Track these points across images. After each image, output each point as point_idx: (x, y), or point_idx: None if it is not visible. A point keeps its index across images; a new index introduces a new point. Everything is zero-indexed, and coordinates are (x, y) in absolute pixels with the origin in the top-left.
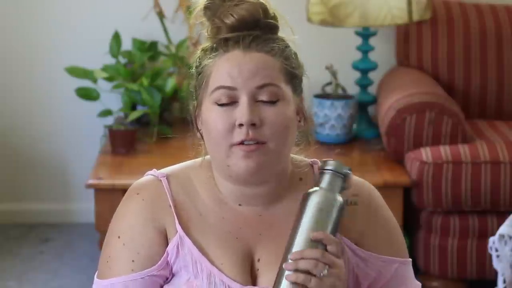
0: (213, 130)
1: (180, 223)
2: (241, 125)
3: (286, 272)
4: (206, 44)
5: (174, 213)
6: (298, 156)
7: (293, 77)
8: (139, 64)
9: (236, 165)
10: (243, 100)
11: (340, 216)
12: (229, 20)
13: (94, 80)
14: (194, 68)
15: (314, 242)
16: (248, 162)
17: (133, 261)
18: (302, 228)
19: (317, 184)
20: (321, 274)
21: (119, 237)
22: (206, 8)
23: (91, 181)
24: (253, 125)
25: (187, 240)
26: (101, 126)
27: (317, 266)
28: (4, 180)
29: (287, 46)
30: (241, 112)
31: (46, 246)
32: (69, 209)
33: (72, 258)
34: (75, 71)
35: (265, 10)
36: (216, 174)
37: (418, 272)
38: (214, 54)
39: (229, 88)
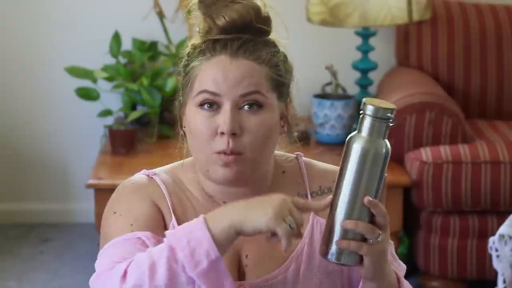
0: (196, 134)
1: (175, 214)
2: (222, 133)
3: (336, 233)
4: (196, 40)
5: (169, 203)
6: (281, 152)
7: (279, 84)
8: (139, 64)
9: (215, 172)
10: (226, 107)
11: (385, 163)
12: (220, 22)
13: (94, 80)
14: (182, 65)
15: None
16: (225, 171)
17: (131, 224)
18: (349, 183)
19: (358, 129)
20: (373, 241)
21: (114, 212)
22: (201, 2)
23: (91, 181)
24: (233, 134)
25: None
26: (101, 126)
27: (373, 232)
28: (4, 180)
29: (276, 52)
30: (223, 120)
31: (46, 246)
32: (69, 209)
33: (72, 258)
34: (75, 71)
35: (257, 12)
36: (200, 173)
37: (418, 272)
38: (201, 57)
39: (213, 93)
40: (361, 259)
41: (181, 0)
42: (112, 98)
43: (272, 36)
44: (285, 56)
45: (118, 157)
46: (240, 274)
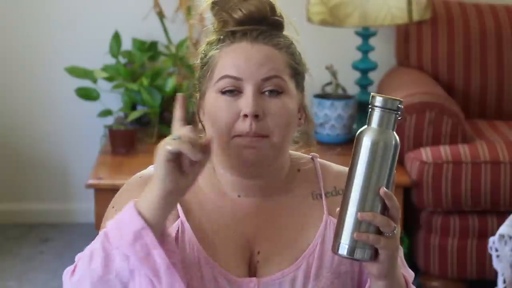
0: (217, 119)
1: (182, 210)
2: (245, 116)
3: (349, 226)
4: (212, 37)
5: None
6: (297, 153)
7: (297, 72)
8: (139, 64)
9: (237, 155)
10: (248, 90)
11: (396, 154)
12: (237, 15)
13: (94, 80)
14: (199, 59)
15: (378, 196)
16: (249, 152)
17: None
18: (361, 175)
19: (368, 122)
20: (390, 234)
21: (113, 207)
22: (214, 3)
23: (91, 181)
24: (256, 116)
25: (187, 226)
26: (101, 126)
27: (390, 225)
28: (4, 180)
29: (292, 43)
30: (246, 102)
31: (46, 246)
32: (69, 209)
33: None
34: (75, 71)
35: (272, 8)
36: (216, 164)
37: (418, 272)
38: (221, 44)
39: (235, 78)
40: (374, 255)
41: (181, 0)
42: (112, 98)
43: (287, 34)
44: (299, 54)
45: (118, 157)
46: (251, 270)
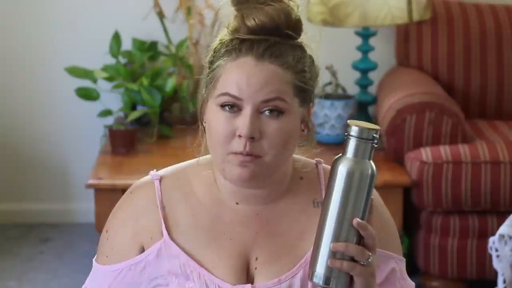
0: (214, 133)
1: (167, 226)
2: (240, 136)
3: (324, 255)
4: (225, 37)
5: (162, 217)
6: (301, 157)
7: (303, 90)
8: (139, 64)
9: (230, 172)
10: (247, 111)
11: (371, 184)
12: (250, 23)
13: (94, 80)
14: (207, 60)
15: (352, 226)
16: (242, 171)
17: (107, 256)
18: (336, 204)
19: (344, 151)
20: (365, 262)
21: (107, 231)
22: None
23: (91, 181)
24: (252, 138)
25: (172, 244)
26: (101, 126)
27: (363, 254)
28: (4, 180)
29: (302, 57)
30: (243, 123)
31: (46, 246)
32: (69, 209)
33: (72, 258)
34: (75, 71)
35: (287, 16)
36: (217, 173)
37: (418, 272)
38: (227, 57)
39: (234, 97)
40: (350, 283)
41: (181, 0)
42: (112, 98)
43: (302, 38)
44: (312, 61)
45: (118, 157)
46: (249, 276)
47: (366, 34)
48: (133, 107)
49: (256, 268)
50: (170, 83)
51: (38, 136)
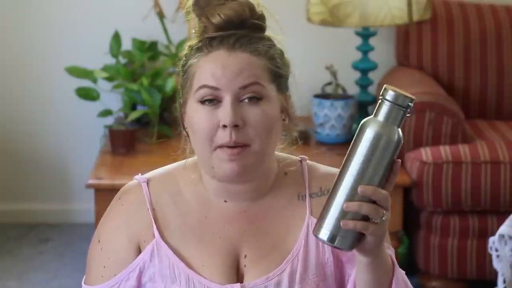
0: (197, 130)
1: (157, 227)
2: (224, 126)
3: (335, 213)
4: (193, 41)
5: (152, 218)
6: (284, 154)
7: (278, 76)
8: (139, 64)
9: (220, 167)
10: (227, 100)
11: (396, 151)
12: (216, 20)
13: (94, 80)
14: (180, 66)
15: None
16: (232, 165)
17: (104, 267)
18: (357, 165)
19: (375, 114)
20: (379, 220)
21: (99, 241)
22: (195, 4)
23: (91, 181)
24: (236, 126)
25: (163, 245)
26: (101, 126)
27: (378, 212)
28: (4, 180)
29: (272, 46)
30: (224, 113)
31: (46, 246)
32: (69, 209)
33: (72, 258)
34: (75, 71)
35: (252, 9)
36: (202, 171)
37: (418, 272)
38: (198, 54)
39: (212, 88)
40: (353, 246)
41: (181, 0)
42: (112, 98)
43: (268, 33)
44: (281, 51)
45: (118, 157)
46: (239, 274)
47: (366, 34)
48: (133, 107)
49: (245, 265)
50: (170, 83)
51: (38, 136)
